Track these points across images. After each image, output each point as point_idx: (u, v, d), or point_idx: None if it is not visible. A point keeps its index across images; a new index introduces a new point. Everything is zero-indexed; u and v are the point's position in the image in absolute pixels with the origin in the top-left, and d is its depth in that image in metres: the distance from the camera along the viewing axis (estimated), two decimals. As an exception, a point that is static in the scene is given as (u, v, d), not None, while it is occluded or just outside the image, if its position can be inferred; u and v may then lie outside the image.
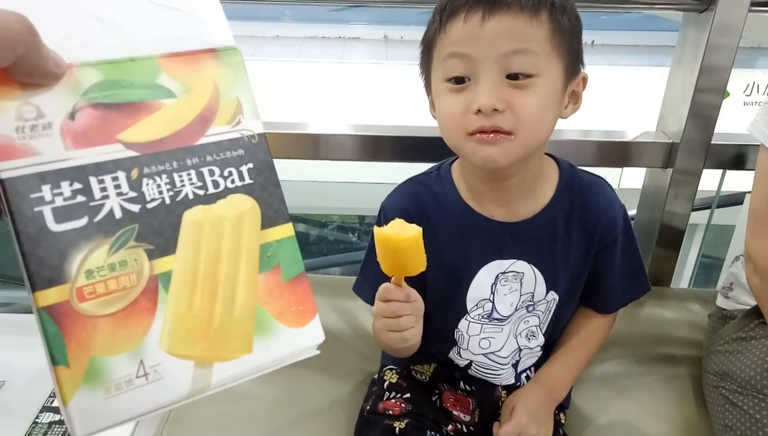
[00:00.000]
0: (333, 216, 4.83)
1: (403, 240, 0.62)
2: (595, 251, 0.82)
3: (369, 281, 0.85)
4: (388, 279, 0.82)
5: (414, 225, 0.63)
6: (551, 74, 0.68)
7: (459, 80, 0.69)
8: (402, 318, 0.68)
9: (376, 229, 0.64)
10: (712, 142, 1.12)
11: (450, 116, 0.71)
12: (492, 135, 0.67)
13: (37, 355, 1.03)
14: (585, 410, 0.96)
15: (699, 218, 1.43)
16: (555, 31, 0.67)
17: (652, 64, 3.64)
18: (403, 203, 0.82)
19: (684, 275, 2.23)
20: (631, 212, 1.31)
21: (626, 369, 1.04)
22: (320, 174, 2.70)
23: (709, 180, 1.28)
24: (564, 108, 0.73)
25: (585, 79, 0.74)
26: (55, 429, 1.00)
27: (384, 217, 0.82)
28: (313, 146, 1.19)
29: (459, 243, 0.80)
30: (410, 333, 0.69)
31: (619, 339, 1.09)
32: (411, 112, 1.10)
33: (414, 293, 0.69)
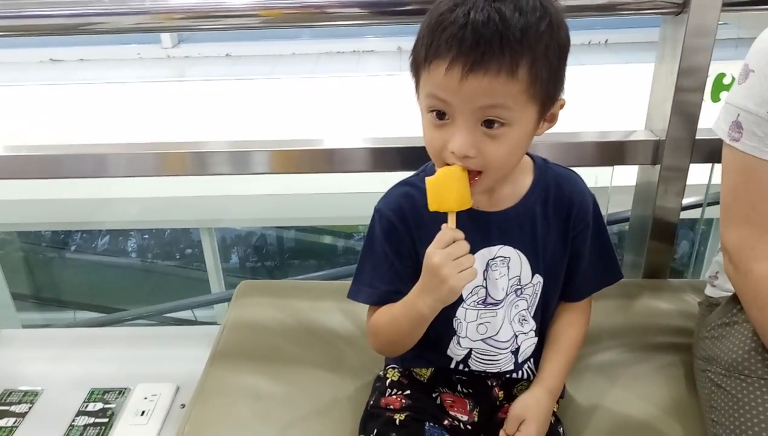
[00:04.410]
0: (359, 226, 4.90)
1: (464, 169, 0.75)
2: (571, 237, 0.89)
3: (365, 283, 0.91)
4: (384, 278, 0.88)
5: None
6: (524, 121, 0.75)
7: (440, 115, 0.76)
8: (470, 255, 0.76)
9: (437, 172, 0.77)
10: (697, 137, 1.17)
11: (430, 145, 0.79)
12: None
13: (72, 366, 1.15)
14: (579, 398, 1.01)
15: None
16: (532, 82, 0.72)
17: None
18: (397, 203, 0.88)
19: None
20: (627, 208, 1.37)
21: (620, 358, 1.09)
22: (338, 186, 2.75)
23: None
24: (538, 129, 0.79)
25: (563, 105, 0.80)
26: (90, 431, 1.09)
27: (379, 218, 0.89)
28: (328, 160, 1.27)
29: None
30: (476, 269, 0.76)
31: (614, 330, 1.14)
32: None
33: None
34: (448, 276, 0.75)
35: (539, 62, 0.72)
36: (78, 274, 4.77)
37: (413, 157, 1.22)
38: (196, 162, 1.28)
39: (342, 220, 3.47)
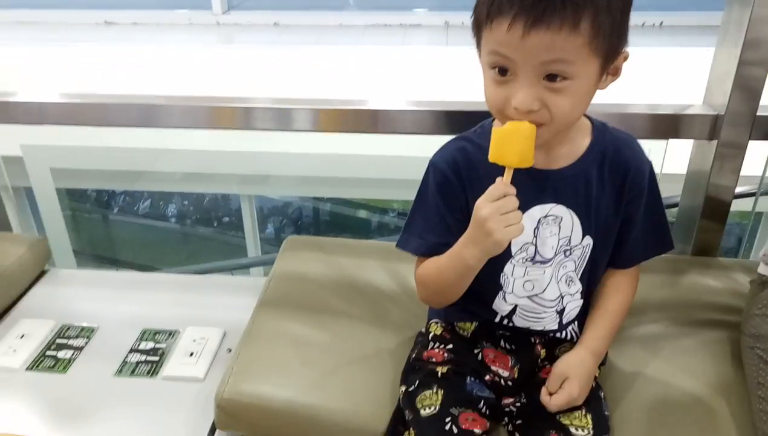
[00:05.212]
0: (393, 203, 4.92)
1: (533, 127, 0.75)
2: (625, 202, 0.89)
3: (415, 234, 0.93)
4: (434, 230, 0.90)
5: None
6: (587, 74, 0.75)
7: (502, 71, 0.77)
8: (519, 211, 0.77)
9: (505, 124, 0.76)
10: (758, 114, 1.14)
11: (492, 102, 0.80)
12: None
13: (126, 306, 1.21)
14: (621, 367, 1.01)
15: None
16: (595, 36, 0.72)
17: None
18: (453, 157, 0.90)
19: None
20: (678, 193, 1.35)
21: (665, 331, 1.09)
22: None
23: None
24: (602, 82, 0.80)
25: (626, 57, 0.80)
26: (142, 367, 1.14)
27: (433, 171, 0.90)
28: (372, 121, 1.28)
29: None
30: (523, 226, 0.77)
31: (660, 304, 1.13)
32: (469, 95, 1.16)
33: None
34: (494, 230, 0.76)
35: (602, 15, 0.72)
36: (120, 235, 4.92)
37: (458, 121, 1.23)
38: (244, 117, 1.31)
39: (383, 183, 3.46)
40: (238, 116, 1.32)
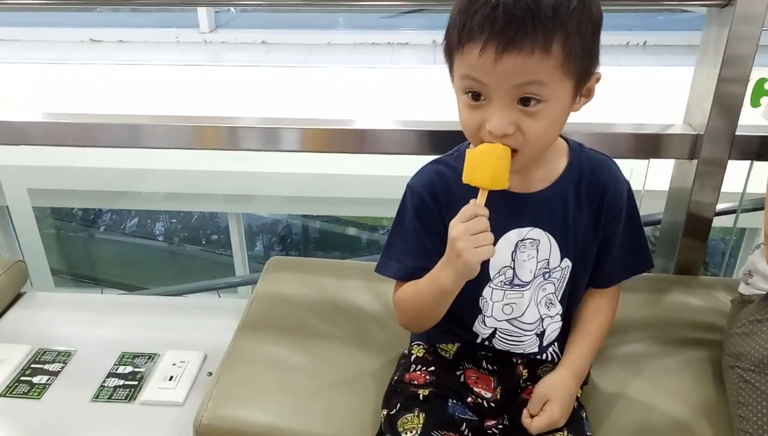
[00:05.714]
0: (383, 220, 4.93)
1: (506, 149, 0.75)
2: (603, 223, 0.89)
3: (394, 258, 0.92)
4: (412, 253, 0.89)
5: None
6: (560, 97, 0.76)
7: (475, 96, 0.77)
8: (489, 232, 0.76)
9: (479, 145, 0.77)
10: (737, 133, 1.15)
11: (467, 126, 0.80)
12: None
13: (104, 330, 1.18)
14: (602, 386, 1.01)
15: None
16: (566, 58, 0.73)
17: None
18: (429, 181, 0.89)
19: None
20: (660, 210, 1.35)
21: (647, 350, 1.08)
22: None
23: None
24: (575, 104, 0.80)
25: (598, 78, 0.80)
26: (119, 392, 1.12)
27: (410, 195, 0.90)
28: (359, 141, 1.28)
29: None
30: (494, 248, 0.76)
31: (642, 323, 1.13)
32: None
33: None
34: (464, 250, 0.75)
35: (572, 38, 0.72)
36: (106, 254, 4.88)
37: (444, 141, 1.23)
38: (229, 136, 1.31)
39: (370, 202, 3.47)
40: (223, 136, 1.31)
